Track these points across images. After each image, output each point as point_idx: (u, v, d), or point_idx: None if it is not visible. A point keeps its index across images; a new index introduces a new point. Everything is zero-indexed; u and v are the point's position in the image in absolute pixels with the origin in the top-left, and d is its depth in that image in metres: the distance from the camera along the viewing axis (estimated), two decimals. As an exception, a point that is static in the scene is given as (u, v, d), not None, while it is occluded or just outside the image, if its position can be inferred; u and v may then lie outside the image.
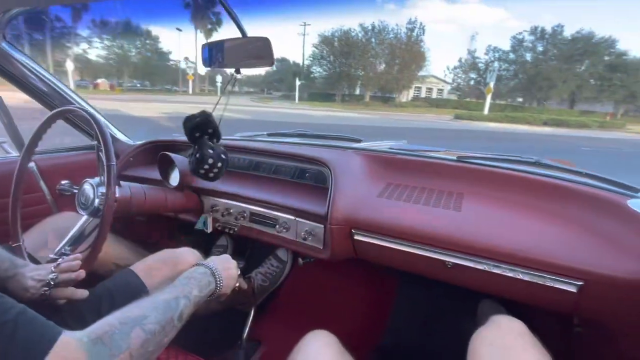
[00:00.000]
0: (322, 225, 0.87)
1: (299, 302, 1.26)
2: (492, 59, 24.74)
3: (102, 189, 0.80)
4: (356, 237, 0.81)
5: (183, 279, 0.60)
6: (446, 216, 0.76)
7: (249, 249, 1.43)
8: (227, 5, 0.64)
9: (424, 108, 22.00)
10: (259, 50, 0.61)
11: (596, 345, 0.78)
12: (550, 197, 0.79)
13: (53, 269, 0.62)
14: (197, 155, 0.76)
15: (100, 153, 0.76)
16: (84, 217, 0.82)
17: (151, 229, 1.39)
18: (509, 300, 0.95)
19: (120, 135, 1.34)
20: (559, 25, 22.63)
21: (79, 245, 0.79)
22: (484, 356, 0.53)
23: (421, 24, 24.04)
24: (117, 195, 0.83)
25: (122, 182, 0.88)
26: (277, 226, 0.96)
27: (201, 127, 0.73)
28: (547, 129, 14.82)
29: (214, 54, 0.72)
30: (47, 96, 1.03)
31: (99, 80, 25.27)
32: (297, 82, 23.85)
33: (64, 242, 0.76)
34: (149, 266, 0.78)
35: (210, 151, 0.76)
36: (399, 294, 1.28)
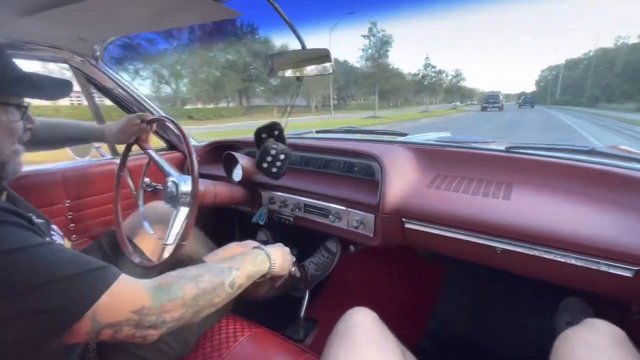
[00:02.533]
0: (373, 215, 0.94)
1: (348, 286, 1.35)
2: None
3: (183, 186, 0.95)
4: (407, 226, 0.87)
5: (240, 255, 0.69)
6: (495, 204, 0.79)
7: (299, 240, 1.54)
8: (288, 19, 0.73)
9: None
10: (319, 60, 0.69)
11: None
12: (604, 184, 0.78)
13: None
14: (261, 150, 0.84)
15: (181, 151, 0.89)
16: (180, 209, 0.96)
17: (213, 220, 1.56)
18: (592, 299, 0.96)
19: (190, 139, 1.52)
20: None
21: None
22: (581, 356, 0.50)
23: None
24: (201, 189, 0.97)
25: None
26: (330, 216, 1.05)
27: (267, 130, 0.83)
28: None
29: (277, 64, 0.81)
30: (133, 108, 1.21)
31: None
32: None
33: (170, 229, 0.90)
34: (220, 258, 0.87)
35: (274, 146, 0.83)
36: (445, 282, 1.31)
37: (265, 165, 0.83)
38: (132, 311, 0.45)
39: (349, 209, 1.01)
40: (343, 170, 1.16)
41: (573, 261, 0.67)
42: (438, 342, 1.16)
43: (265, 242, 1.54)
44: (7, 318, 0.39)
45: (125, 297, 0.45)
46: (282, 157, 0.82)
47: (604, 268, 0.64)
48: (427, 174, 0.99)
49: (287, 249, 0.84)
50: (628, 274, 0.62)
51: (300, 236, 1.53)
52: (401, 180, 0.93)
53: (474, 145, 1.05)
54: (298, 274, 0.90)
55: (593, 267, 0.65)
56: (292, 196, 1.15)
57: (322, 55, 0.68)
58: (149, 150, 1.01)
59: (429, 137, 1.23)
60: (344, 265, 1.35)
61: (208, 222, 1.42)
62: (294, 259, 0.88)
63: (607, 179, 0.79)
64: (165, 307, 0.48)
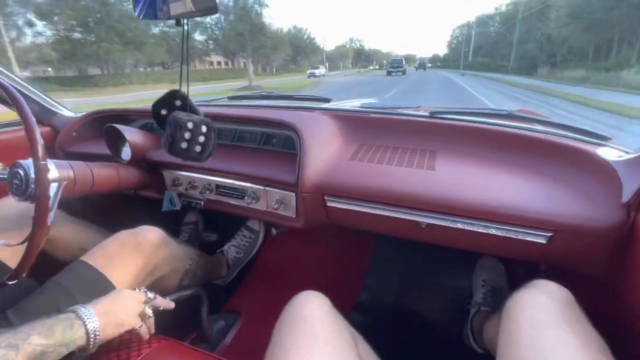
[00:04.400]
0: (293, 193, 0.83)
1: (275, 271, 1.25)
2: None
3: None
4: (329, 204, 0.78)
5: (34, 322, 0.46)
6: (419, 176, 0.73)
7: (220, 221, 1.37)
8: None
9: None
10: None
11: None
12: (521, 149, 0.78)
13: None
14: (171, 125, 0.59)
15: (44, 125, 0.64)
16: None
17: (116, 207, 1.29)
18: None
19: (60, 109, 1.18)
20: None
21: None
22: (532, 316, 0.48)
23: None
24: (56, 175, 0.73)
25: (61, 162, 0.77)
26: (246, 197, 0.91)
27: (166, 104, 0.60)
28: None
29: (148, 3, 0.60)
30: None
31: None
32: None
33: None
34: (105, 253, 0.71)
35: (186, 117, 0.59)
36: (374, 255, 1.30)
37: (183, 145, 0.58)
38: None
39: (267, 188, 0.87)
40: (260, 142, 1.00)
41: (493, 231, 0.65)
42: (368, 313, 1.15)
43: (195, 224, 1.34)
44: None
45: None
46: (203, 129, 0.59)
47: (520, 236, 0.63)
48: (351, 144, 0.89)
49: (133, 296, 0.60)
50: (542, 240, 0.62)
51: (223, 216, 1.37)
52: (322, 154, 0.82)
53: (399, 111, 0.98)
54: (171, 305, 0.67)
55: (511, 236, 0.64)
56: (200, 176, 0.97)
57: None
58: None
59: (354, 103, 1.14)
60: (269, 248, 1.24)
61: (104, 209, 1.16)
62: (149, 298, 0.63)
63: (522, 144, 0.79)
64: None
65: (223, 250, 1.20)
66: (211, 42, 29.55)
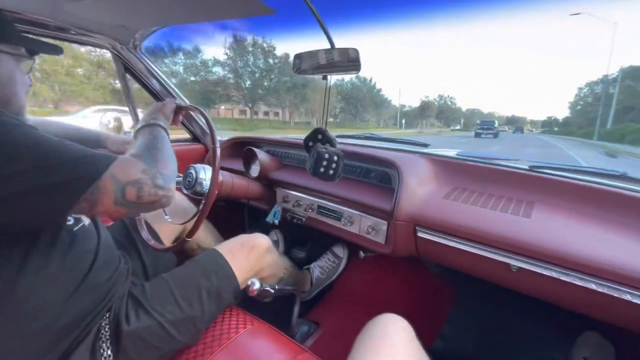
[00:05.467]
0: (386, 222, 0.93)
1: (353, 293, 1.32)
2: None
3: (202, 174, 0.97)
4: (419, 235, 0.85)
5: (143, 127, 0.69)
6: (514, 221, 0.76)
7: (309, 242, 1.54)
8: (320, 18, 0.74)
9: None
10: (348, 59, 0.70)
11: None
12: (633, 210, 0.74)
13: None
14: (314, 156, 0.83)
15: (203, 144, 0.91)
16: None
17: (225, 215, 1.57)
18: (612, 335, 0.91)
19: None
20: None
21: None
22: None
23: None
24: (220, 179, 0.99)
25: None
26: (343, 219, 1.05)
27: (312, 137, 0.84)
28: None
29: (305, 62, 0.83)
30: (162, 96, 1.26)
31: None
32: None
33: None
34: (230, 249, 0.88)
35: (324, 149, 0.82)
36: (454, 302, 1.27)
37: (322, 170, 0.82)
38: (141, 171, 0.54)
39: (362, 214, 1.00)
40: (360, 175, 1.15)
41: (593, 286, 0.63)
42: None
43: (276, 243, 1.55)
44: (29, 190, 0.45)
45: (130, 162, 0.55)
46: (335, 158, 0.81)
47: (627, 297, 0.61)
48: (445, 185, 0.97)
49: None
50: None
51: (309, 239, 1.53)
52: (417, 189, 0.91)
53: (496, 161, 1.02)
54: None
55: (615, 295, 0.62)
56: (306, 196, 1.15)
57: (351, 55, 0.69)
58: None
59: (449, 152, 1.22)
60: (351, 272, 1.33)
61: (219, 215, 1.44)
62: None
63: (633, 205, 0.76)
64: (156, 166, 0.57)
65: (309, 268, 1.34)
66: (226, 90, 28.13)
